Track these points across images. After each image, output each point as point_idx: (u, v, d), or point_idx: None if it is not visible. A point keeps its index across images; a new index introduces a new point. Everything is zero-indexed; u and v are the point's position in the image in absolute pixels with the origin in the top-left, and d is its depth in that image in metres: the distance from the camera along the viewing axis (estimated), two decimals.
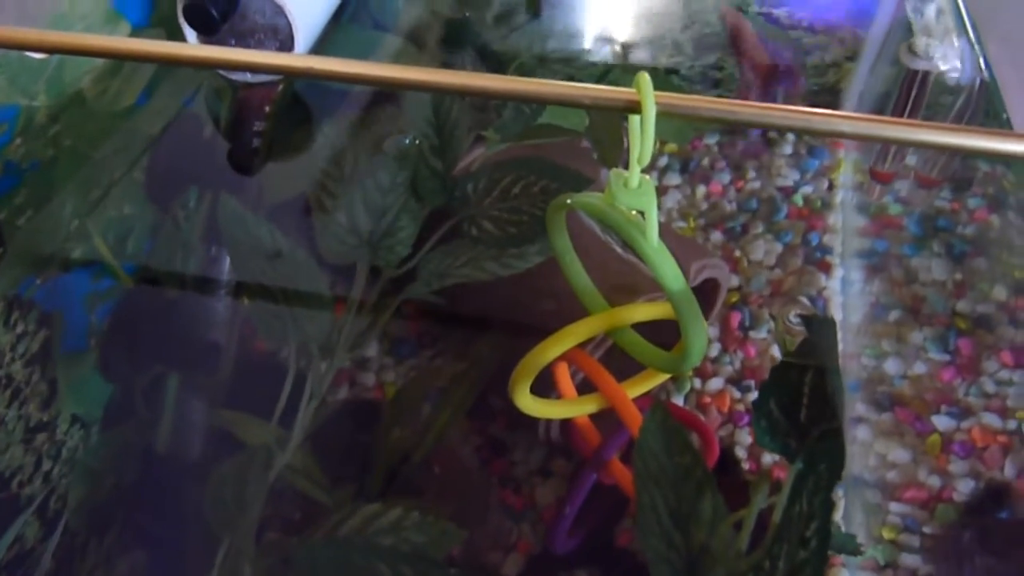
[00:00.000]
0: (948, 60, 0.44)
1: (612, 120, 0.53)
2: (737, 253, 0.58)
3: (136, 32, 0.46)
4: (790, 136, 0.61)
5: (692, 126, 0.57)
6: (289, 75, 0.34)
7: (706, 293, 0.50)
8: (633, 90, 0.29)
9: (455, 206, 0.40)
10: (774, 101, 0.58)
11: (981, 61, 0.44)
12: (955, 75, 0.44)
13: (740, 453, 0.51)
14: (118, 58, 0.31)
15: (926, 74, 0.44)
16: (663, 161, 0.61)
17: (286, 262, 0.39)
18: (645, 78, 0.29)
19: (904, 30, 0.56)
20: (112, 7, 0.44)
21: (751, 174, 0.61)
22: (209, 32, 0.39)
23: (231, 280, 0.43)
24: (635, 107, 0.28)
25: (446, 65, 0.47)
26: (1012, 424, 0.50)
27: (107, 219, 0.44)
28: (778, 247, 0.58)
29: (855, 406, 0.54)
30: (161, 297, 0.45)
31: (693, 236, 0.59)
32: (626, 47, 0.56)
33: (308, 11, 0.41)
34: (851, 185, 0.60)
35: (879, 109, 0.57)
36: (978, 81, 0.44)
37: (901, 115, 0.47)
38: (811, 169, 0.61)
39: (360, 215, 0.38)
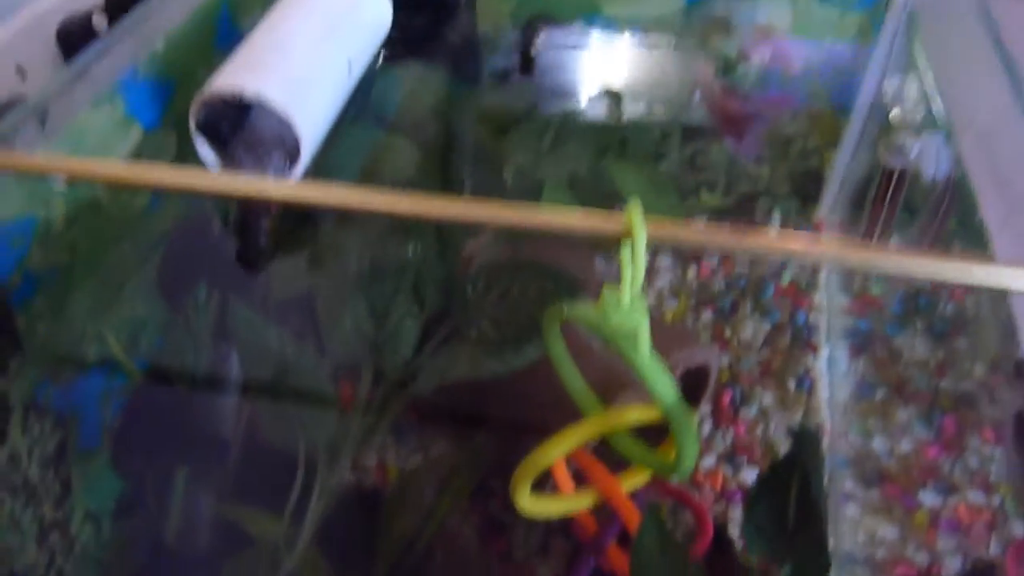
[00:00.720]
0: (925, 157, 0.46)
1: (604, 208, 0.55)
2: (727, 332, 0.60)
3: (149, 135, 0.48)
4: (776, 217, 0.64)
5: (681, 211, 0.59)
6: (294, 204, 0.36)
7: (697, 378, 0.52)
8: (624, 218, 0.31)
9: (455, 307, 0.42)
10: (751, 146, 0.60)
11: (956, 158, 0.47)
12: (931, 171, 0.46)
13: (733, 531, 0.52)
14: (138, 187, 0.33)
15: (903, 171, 0.47)
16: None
17: (293, 363, 0.40)
18: (636, 208, 0.31)
19: (882, 117, 0.59)
20: (125, 114, 0.46)
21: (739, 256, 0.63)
22: (221, 144, 0.41)
23: (240, 376, 0.44)
24: (626, 235, 0.30)
25: (445, 163, 0.49)
26: (996, 500, 0.51)
27: (121, 319, 0.45)
28: (766, 326, 0.60)
29: (844, 483, 0.56)
30: (172, 393, 0.46)
31: (684, 315, 0.61)
32: (617, 135, 0.58)
33: (313, 121, 0.43)
34: (834, 266, 0.62)
35: (860, 193, 0.59)
36: (953, 178, 0.46)
37: (879, 212, 0.50)
38: None
39: (364, 320, 0.40)
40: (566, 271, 0.42)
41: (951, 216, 0.49)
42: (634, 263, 0.30)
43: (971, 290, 0.58)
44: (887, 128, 0.58)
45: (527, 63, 0.60)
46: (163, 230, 0.48)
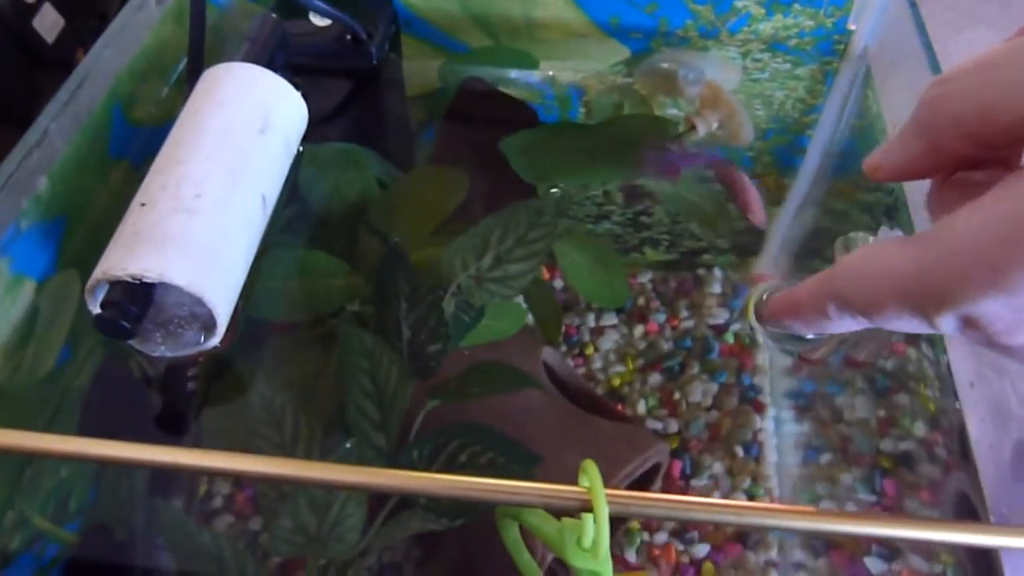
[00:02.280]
0: None
1: (546, 296, 0.53)
2: (676, 395, 0.59)
3: (43, 284, 0.43)
4: (717, 273, 0.62)
5: (624, 274, 0.57)
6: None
7: (648, 475, 0.52)
8: (584, 490, 0.29)
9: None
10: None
11: None
12: None
13: None
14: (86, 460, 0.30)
15: None
16: None
17: (231, 563, 0.38)
18: (594, 471, 0.29)
19: (827, 178, 0.57)
20: (12, 273, 0.41)
21: (684, 313, 0.62)
22: (126, 337, 0.37)
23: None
24: (587, 506, 0.29)
25: (378, 296, 0.45)
26: (938, 568, 0.53)
27: (44, 491, 0.42)
28: (714, 387, 0.60)
29: (793, 553, 0.57)
30: (110, 547, 0.44)
31: (632, 379, 0.60)
32: (558, 206, 0.55)
33: (227, 285, 0.39)
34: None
35: (802, 251, 0.58)
36: None
37: None
38: (738, 308, 0.62)
39: (305, 514, 0.37)
40: (518, 441, 0.40)
41: None
42: (598, 532, 0.29)
43: (913, 342, 0.58)
44: (833, 181, 0.56)
45: None
46: (81, 384, 0.44)
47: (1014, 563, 0.34)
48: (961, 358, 0.40)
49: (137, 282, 0.37)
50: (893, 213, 0.48)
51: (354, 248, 0.48)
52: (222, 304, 0.38)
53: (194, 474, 0.44)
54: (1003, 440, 0.36)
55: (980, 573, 0.38)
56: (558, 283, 0.65)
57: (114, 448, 0.30)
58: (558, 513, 0.30)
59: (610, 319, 0.62)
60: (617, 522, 0.57)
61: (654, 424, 0.59)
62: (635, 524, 0.57)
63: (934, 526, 0.28)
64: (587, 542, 0.31)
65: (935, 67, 0.46)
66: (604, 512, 0.29)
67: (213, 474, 0.30)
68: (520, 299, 0.52)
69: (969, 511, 0.49)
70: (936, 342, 0.54)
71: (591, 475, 0.29)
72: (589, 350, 0.61)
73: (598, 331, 0.62)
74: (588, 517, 0.29)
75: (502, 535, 0.37)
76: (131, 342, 0.39)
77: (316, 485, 0.29)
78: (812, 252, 0.58)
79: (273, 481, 0.33)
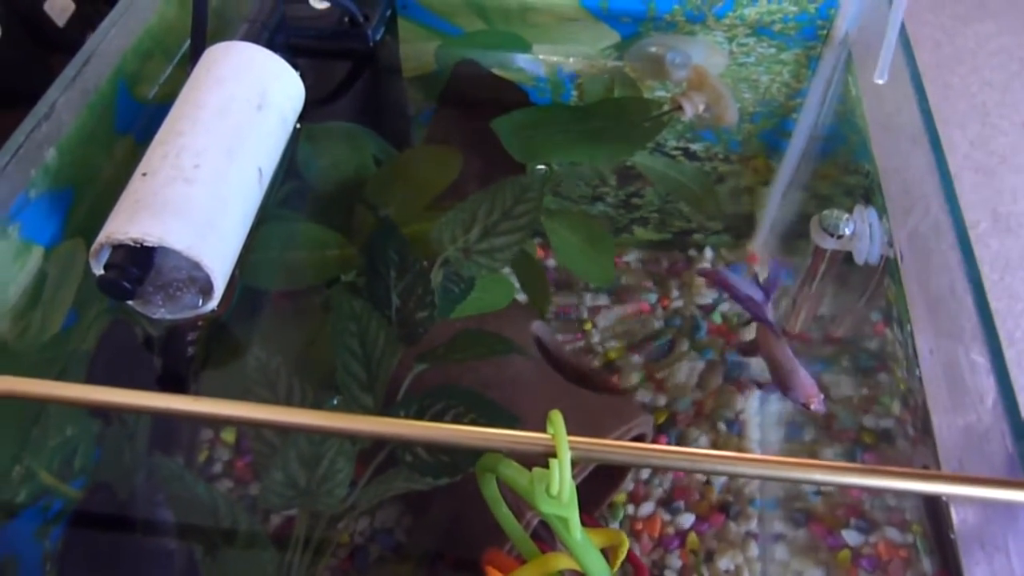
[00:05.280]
0: (858, 238, 0.46)
1: (536, 271, 0.55)
2: (662, 374, 0.61)
3: (51, 251, 0.45)
4: (708, 253, 0.63)
5: (612, 253, 0.59)
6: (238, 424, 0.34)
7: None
8: (548, 436, 0.31)
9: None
10: None
11: (888, 239, 0.47)
12: (863, 255, 0.46)
13: None
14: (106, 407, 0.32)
15: (836, 252, 0.47)
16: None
17: (225, 514, 0.40)
18: (558, 419, 0.31)
19: (813, 160, 0.58)
20: (21, 239, 0.43)
21: (674, 293, 0.64)
22: (127, 298, 0.39)
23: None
24: (551, 451, 0.30)
25: (370, 266, 0.47)
26: (910, 538, 0.55)
27: (50, 448, 0.44)
28: (700, 366, 0.61)
29: (773, 524, 0.59)
30: (113, 504, 0.46)
31: (623, 355, 0.62)
32: (550, 182, 0.57)
33: (224, 251, 0.41)
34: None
35: (791, 231, 0.59)
36: (883, 260, 0.46)
37: (810, 287, 0.50)
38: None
39: (295, 468, 0.39)
40: (501, 405, 0.42)
41: (878, 298, 0.49)
42: (561, 477, 0.31)
43: (888, 324, 0.59)
44: (818, 165, 0.57)
45: None
46: (86, 347, 0.46)
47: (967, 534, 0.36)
48: (921, 330, 0.41)
49: (138, 246, 0.39)
50: (870, 195, 0.49)
51: (350, 222, 0.50)
52: (219, 268, 0.40)
53: (190, 421, 0.46)
54: (956, 405, 0.38)
55: (936, 534, 0.40)
56: (552, 263, 0.66)
57: (114, 395, 0.32)
58: (525, 459, 0.32)
59: (602, 298, 0.64)
60: (602, 495, 0.59)
61: (642, 399, 0.61)
62: (620, 497, 0.59)
63: (884, 475, 0.30)
64: (554, 488, 0.33)
65: (909, 54, 0.47)
66: (566, 456, 0.30)
67: (206, 420, 0.32)
68: (511, 276, 0.54)
69: None
70: (904, 322, 0.55)
71: (555, 423, 0.31)
72: (576, 328, 0.63)
73: (592, 311, 0.63)
74: (554, 463, 0.31)
75: (482, 490, 0.39)
76: (133, 304, 0.41)
77: (292, 429, 0.30)
78: (800, 233, 0.60)
79: (259, 425, 0.35)
